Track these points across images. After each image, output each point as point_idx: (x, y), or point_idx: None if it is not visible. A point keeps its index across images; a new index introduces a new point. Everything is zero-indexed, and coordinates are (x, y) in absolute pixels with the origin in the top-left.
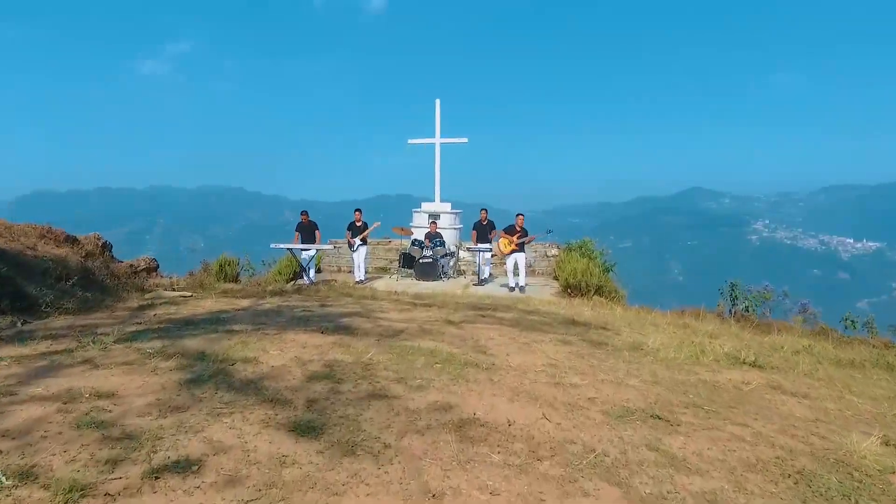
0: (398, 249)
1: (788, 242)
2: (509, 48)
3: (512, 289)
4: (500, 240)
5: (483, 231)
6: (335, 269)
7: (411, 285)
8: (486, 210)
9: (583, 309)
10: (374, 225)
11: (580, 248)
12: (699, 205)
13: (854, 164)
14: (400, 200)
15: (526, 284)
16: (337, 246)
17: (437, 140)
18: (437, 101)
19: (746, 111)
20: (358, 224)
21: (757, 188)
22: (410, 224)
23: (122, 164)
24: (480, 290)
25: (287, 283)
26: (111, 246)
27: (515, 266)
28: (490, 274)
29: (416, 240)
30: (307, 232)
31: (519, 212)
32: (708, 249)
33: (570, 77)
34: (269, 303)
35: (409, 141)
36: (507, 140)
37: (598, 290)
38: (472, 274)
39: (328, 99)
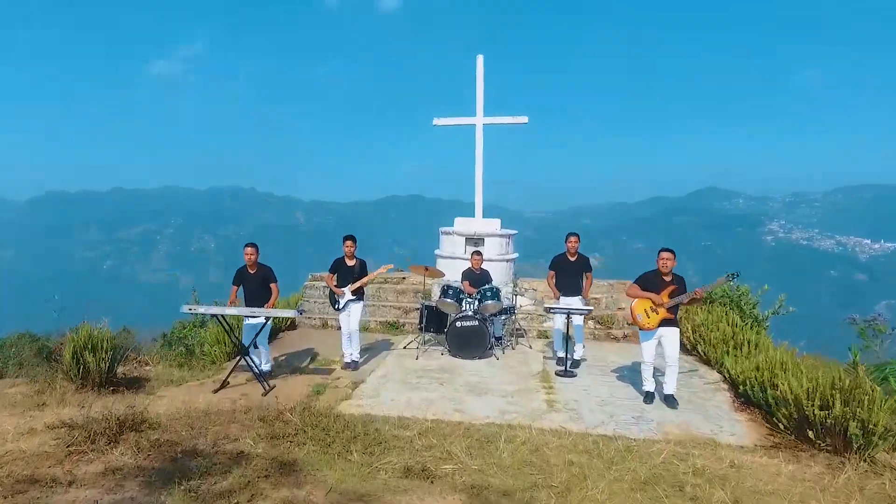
0: (417, 292)
1: (805, 243)
2: (518, 45)
3: (649, 397)
4: (636, 303)
5: (571, 273)
6: (317, 321)
7: (443, 369)
8: (576, 236)
9: None
10: (380, 270)
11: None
12: (713, 205)
13: (871, 164)
14: (411, 202)
15: (673, 392)
16: (303, 311)
17: (479, 120)
18: (480, 59)
19: (762, 110)
20: (350, 263)
21: (772, 188)
22: (437, 253)
23: (135, 165)
24: (571, 387)
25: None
26: None
27: (658, 355)
28: (583, 347)
29: (448, 286)
30: (254, 284)
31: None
32: (723, 250)
33: (582, 75)
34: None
35: (436, 121)
36: (516, 137)
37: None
38: (545, 344)
39: (340, 98)
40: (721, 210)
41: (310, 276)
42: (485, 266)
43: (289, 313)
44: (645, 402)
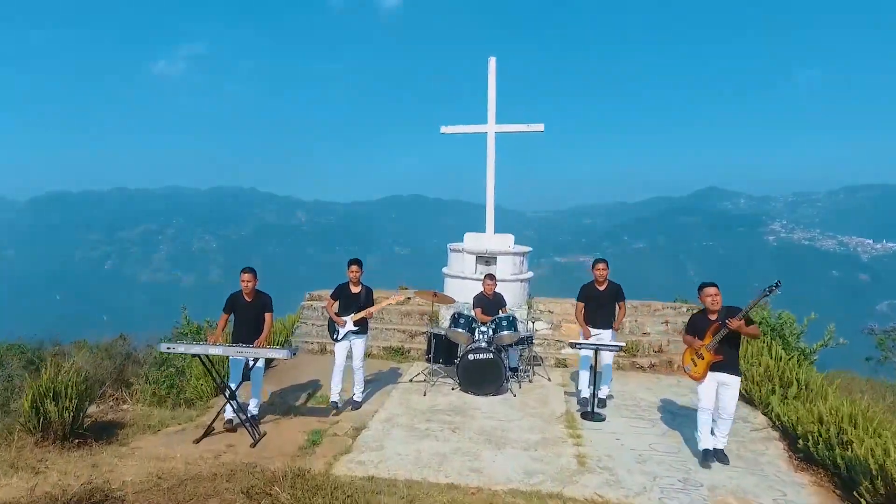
0: (424, 315)
1: (807, 243)
2: (520, 43)
3: (707, 457)
4: (685, 351)
5: (602, 303)
6: (315, 346)
7: (455, 409)
8: (604, 262)
9: None
10: (391, 301)
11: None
12: (715, 205)
13: (874, 163)
14: (413, 201)
15: (724, 447)
16: (296, 351)
17: (491, 128)
18: (492, 61)
19: (764, 109)
20: (354, 290)
21: (774, 188)
22: (444, 271)
23: (136, 165)
24: (601, 434)
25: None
26: None
27: (715, 408)
28: (610, 388)
29: (458, 314)
30: (250, 314)
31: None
32: (724, 250)
33: (584, 74)
34: None
35: (444, 129)
36: (517, 139)
37: None
38: (564, 375)
39: (342, 98)
40: (723, 210)
41: (307, 296)
42: (497, 288)
43: (280, 353)
44: (702, 463)
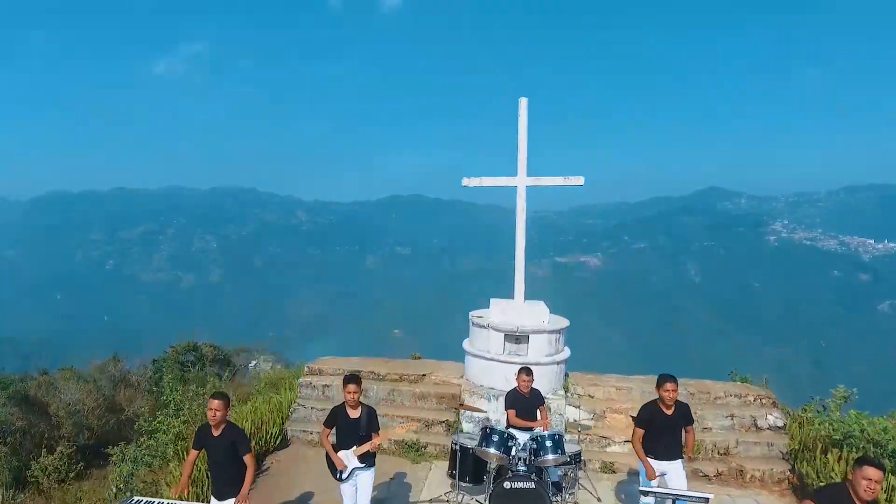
0: (443, 398)
1: (808, 243)
2: (521, 41)
3: None
4: None
5: (669, 430)
6: (314, 436)
7: None
8: (674, 382)
9: None
10: (399, 431)
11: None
12: (716, 205)
13: (875, 163)
14: (413, 201)
15: None
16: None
17: (522, 181)
18: (523, 103)
19: (765, 108)
20: (353, 414)
21: (775, 188)
22: (465, 347)
23: (137, 165)
24: None
25: None
26: None
27: None
28: None
29: (490, 429)
30: (219, 452)
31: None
32: (725, 250)
33: (584, 72)
34: None
35: (466, 182)
36: (516, 134)
37: None
38: (618, 490)
39: (342, 97)
40: (723, 210)
41: (306, 369)
42: (533, 374)
43: None
44: None
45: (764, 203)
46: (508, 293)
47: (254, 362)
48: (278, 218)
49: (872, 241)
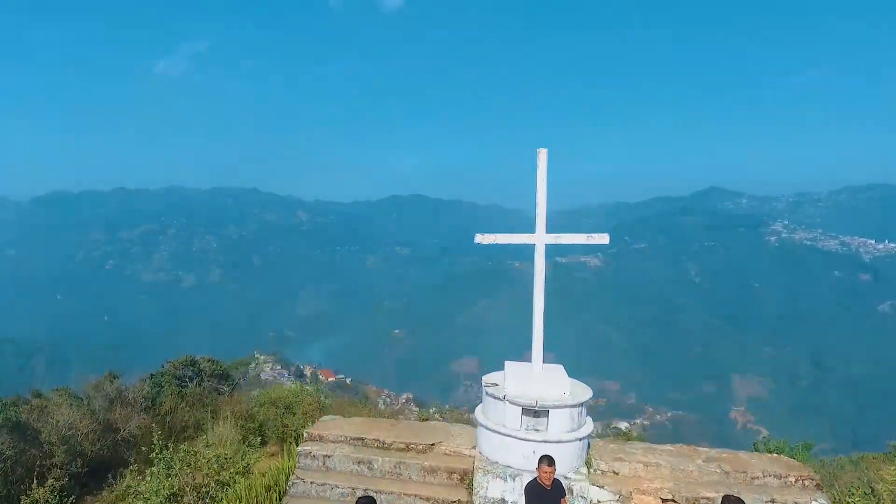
0: (453, 473)
1: (808, 244)
2: (521, 39)
3: None
4: None
5: None
6: None
7: None
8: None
9: None
10: None
11: None
12: (716, 205)
13: (876, 164)
14: (413, 201)
15: None
16: None
17: (541, 238)
18: (542, 154)
19: (766, 108)
20: None
21: (776, 188)
22: (477, 419)
23: (138, 165)
24: None
25: None
26: None
27: None
28: None
29: None
30: None
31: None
32: (725, 251)
33: (585, 72)
34: None
35: (479, 238)
36: (516, 134)
37: None
38: None
39: (343, 97)
40: (724, 210)
41: (305, 436)
42: (551, 449)
43: None
44: None
45: (764, 203)
46: (510, 300)
47: (252, 364)
48: (279, 218)
49: (873, 242)
